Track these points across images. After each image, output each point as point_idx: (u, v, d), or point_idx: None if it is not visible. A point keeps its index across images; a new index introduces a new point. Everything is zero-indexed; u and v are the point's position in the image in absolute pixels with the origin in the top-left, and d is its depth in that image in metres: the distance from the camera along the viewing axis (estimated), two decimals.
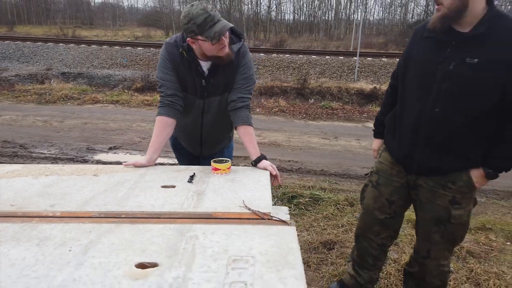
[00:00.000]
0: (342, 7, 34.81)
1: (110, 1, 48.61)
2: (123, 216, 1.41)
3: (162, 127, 1.96)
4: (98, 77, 12.59)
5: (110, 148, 5.13)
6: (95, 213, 1.42)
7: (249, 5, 29.45)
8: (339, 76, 12.99)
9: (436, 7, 1.58)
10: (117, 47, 15.74)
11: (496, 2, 1.57)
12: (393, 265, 2.56)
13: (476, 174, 1.67)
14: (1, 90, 9.11)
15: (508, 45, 1.48)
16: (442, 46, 1.61)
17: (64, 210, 1.44)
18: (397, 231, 2.07)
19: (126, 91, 9.80)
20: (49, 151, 4.92)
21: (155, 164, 1.98)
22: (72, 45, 15.74)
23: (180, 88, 1.98)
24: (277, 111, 7.84)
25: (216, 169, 1.85)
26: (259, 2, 29.23)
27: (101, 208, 1.47)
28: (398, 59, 2.26)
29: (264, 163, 1.93)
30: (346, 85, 10.48)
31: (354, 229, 2.36)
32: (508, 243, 3.02)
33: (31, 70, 12.92)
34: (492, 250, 2.88)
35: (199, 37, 1.77)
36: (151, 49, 15.22)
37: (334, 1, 31.54)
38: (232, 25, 1.81)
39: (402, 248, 2.78)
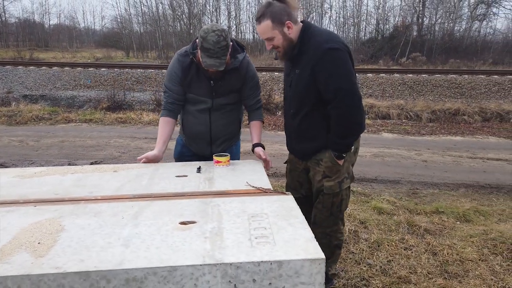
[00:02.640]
0: None
1: (66, 23, 47.66)
2: (154, 196, 1.73)
3: (166, 124, 2.35)
4: (62, 98, 12.46)
5: (92, 163, 5.29)
6: (130, 195, 1.74)
7: None
8: None
9: (276, 50, 2.06)
10: (79, 68, 15.60)
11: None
12: (365, 243, 3.00)
13: (328, 155, 2.10)
14: None
15: (311, 57, 1.97)
16: (289, 64, 2.17)
17: (103, 194, 1.75)
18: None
19: (93, 110, 9.87)
20: None
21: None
22: (32, 67, 15.43)
23: (181, 98, 2.33)
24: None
25: (218, 162, 2.21)
26: (219, 23, 30.00)
27: (133, 192, 1.78)
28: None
29: (258, 149, 2.32)
30: None
31: None
32: (458, 222, 3.55)
33: None
34: (444, 228, 3.39)
35: (199, 52, 2.14)
36: (115, 69, 15.24)
37: None
38: (222, 68, 2.12)
39: (371, 230, 3.23)
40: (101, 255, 1.19)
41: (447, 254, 2.89)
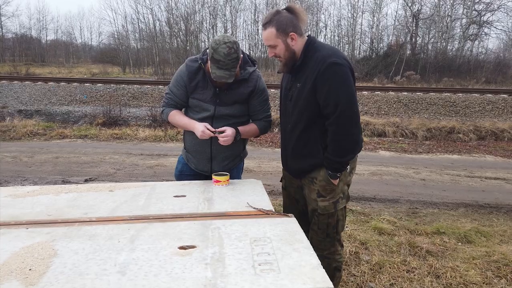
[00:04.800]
0: None
1: (63, 38, 47.95)
2: (151, 218, 1.66)
3: (179, 112, 2.33)
4: (57, 113, 12.39)
5: (86, 180, 5.20)
6: (126, 217, 1.67)
7: (205, 42, 30.41)
8: None
9: (277, 59, 2.05)
10: (75, 83, 15.57)
11: None
12: (366, 265, 2.92)
13: (322, 174, 2.03)
14: None
15: (313, 71, 1.93)
16: (290, 78, 2.11)
17: (98, 216, 1.68)
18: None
19: (88, 126, 9.79)
20: (23, 185, 4.91)
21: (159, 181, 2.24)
22: (28, 82, 15.38)
23: (182, 103, 2.30)
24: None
25: (217, 181, 2.15)
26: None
27: (129, 213, 1.72)
28: None
29: (225, 127, 2.18)
30: None
31: None
32: (460, 243, 3.49)
33: None
34: (446, 249, 3.32)
35: (209, 63, 2.09)
36: (111, 85, 15.23)
37: None
38: (231, 81, 2.08)
39: (372, 251, 3.16)
40: (96, 283, 1.12)
41: (451, 277, 2.82)
